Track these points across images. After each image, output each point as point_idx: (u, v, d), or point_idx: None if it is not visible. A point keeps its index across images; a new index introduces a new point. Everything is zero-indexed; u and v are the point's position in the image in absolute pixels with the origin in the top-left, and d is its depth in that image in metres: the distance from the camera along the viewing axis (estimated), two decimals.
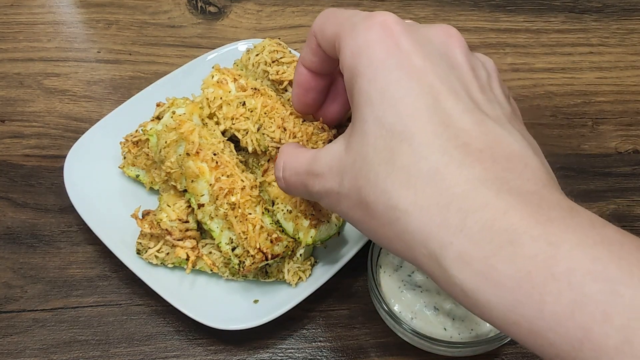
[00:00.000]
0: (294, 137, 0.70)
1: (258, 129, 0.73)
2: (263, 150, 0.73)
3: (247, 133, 0.74)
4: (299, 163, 0.58)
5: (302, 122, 0.74)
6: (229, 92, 0.77)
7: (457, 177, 0.45)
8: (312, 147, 0.70)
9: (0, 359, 0.75)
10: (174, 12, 1.18)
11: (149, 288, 0.76)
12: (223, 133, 0.82)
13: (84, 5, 1.20)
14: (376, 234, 0.50)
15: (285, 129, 0.70)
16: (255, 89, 0.77)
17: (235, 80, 0.77)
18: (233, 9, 1.18)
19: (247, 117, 0.74)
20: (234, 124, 0.76)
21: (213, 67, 0.80)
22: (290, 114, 0.72)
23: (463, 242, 0.43)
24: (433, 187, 0.45)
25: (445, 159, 0.45)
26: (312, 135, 0.70)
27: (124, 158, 0.87)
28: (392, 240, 0.48)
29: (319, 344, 0.77)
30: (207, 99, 0.78)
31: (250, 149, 0.73)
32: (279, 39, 0.91)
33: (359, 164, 0.50)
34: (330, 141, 0.69)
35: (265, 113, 0.73)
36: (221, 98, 0.76)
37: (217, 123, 0.78)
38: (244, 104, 0.75)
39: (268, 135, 0.73)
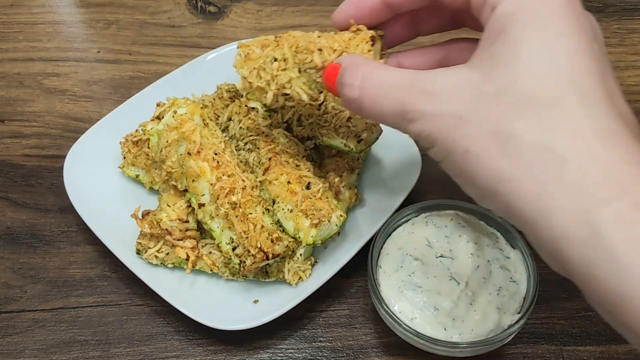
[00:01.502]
0: (334, 51, 0.63)
1: (299, 71, 0.66)
2: (319, 91, 0.67)
3: (291, 85, 0.67)
4: (393, 77, 0.53)
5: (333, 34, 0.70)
6: (259, 58, 0.72)
7: (629, 144, 0.44)
8: (354, 53, 0.63)
9: (0, 359, 0.75)
10: (174, 12, 1.18)
11: (149, 288, 0.76)
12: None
13: (84, 5, 1.20)
14: (496, 173, 0.45)
15: (321, 50, 0.63)
16: (276, 36, 0.71)
17: (262, 46, 0.72)
18: (233, 8, 1.18)
19: (284, 68, 0.68)
20: (277, 85, 0.68)
21: (238, 46, 0.73)
22: (318, 36, 0.66)
23: (627, 205, 0.41)
24: (605, 145, 0.43)
25: (616, 125, 0.44)
26: (350, 40, 0.63)
27: (124, 158, 0.87)
28: (520, 183, 0.44)
29: (319, 344, 0.77)
30: (245, 77, 0.72)
31: (305, 97, 0.67)
32: None
33: (510, 97, 0.46)
34: (373, 39, 0.63)
35: (295, 51, 0.66)
36: (255, 68, 0.71)
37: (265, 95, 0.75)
38: (275, 59, 0.68)
39: (310, 68, 0.65)
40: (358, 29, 0.64)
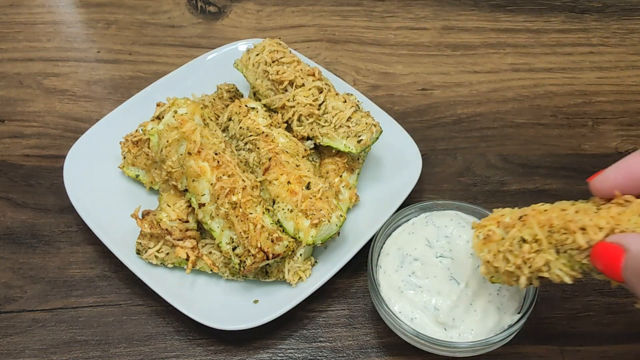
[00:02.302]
0: (600, 229, 0.54)
1: (557, 252, 0.58)
2: (584, 271, 0.57)
3: (548, 268, 0.59)
4: None
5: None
6: (503, 240, 0.63)
7: None
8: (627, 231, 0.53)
9: (0, 359, 0.75)
10: (174, 12, 1.18)
11: (149, 288, 0.76)
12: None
13: (84, 5, 1.20)
14: None
15: (584, 229, 0.55)
16: (521, 217, 0.61)
17: (501, 224, 0.63)
18: (233, 9, 1.18)
19: (538, 250, 0.59)
20: (532, 269, 0.60)
21: (472, 227, 0.67)
22: (576, 211, 0.57)
23: None
24: None
25: None
26: (620, 215, 0.55)
27: (124, 158, 0.87)
28: None
29: (319, 344, 0.77)
30: (489, 261, 0.63)
31: (568, 280, 0.58)
32: (279, 38, 0.91)
33: None
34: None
35: (550, 231, 0.58)
36: (499, 251, 0.62)
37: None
38: (524, 240, 0.60)
39: (571, 249, 0.57)
40: (626, 200, 0.55)
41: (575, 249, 0.56)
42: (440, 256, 0.72)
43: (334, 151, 0.84)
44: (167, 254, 0.78)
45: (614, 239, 0.52)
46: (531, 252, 0.59)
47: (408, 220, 0.77)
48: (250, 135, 0.82)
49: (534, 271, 0.59)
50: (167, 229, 0.77)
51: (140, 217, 0.79)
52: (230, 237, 0.75)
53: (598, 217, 0.55)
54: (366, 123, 0.81)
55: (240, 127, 0.83)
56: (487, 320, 0.68)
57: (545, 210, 0.59)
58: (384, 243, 0.75)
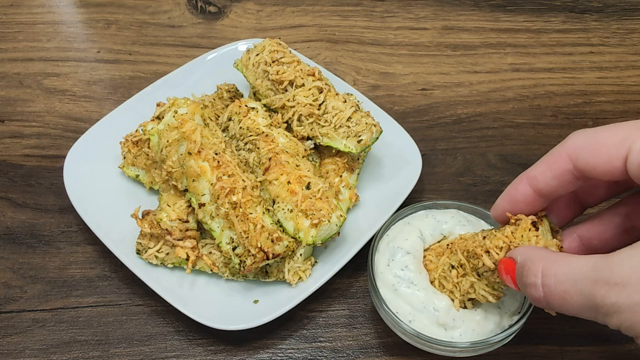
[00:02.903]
0: (500, 249, 0.62)
1: (479, 275, 0.66)
2: (502, 289, 0.66)
3: (474, 290, 0.67)
4: (574, 268, 0.51)
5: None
6: (437, 267, 0.71)
7: None
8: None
9: (0, 359, 0.75)
10: (174, 12, 1.18)
11: (149, 288, 0.76)
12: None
13: (84, 5, 1.20)
14: None
15: (488, 252, 0.63)
16: (448, 244, 0.71)
17: (437, 255, 0.72)
18: (233, 9, 1.18)
19: (464, 274, 0.67)
20: (461, 292, 0.68)
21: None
22: (483, 237, 0.66)
23: None
24: None
25: None
26: (513, 234, 0.63)
27: (124, 158, 0.87)
28: None
29: (319, 344, 0.77)
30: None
31: (492, 299, 0.66)
32: (279, 38, 0.91)
33: None
34: (534, 224, 0.61)
35: (467, 257, 0.67)
36: (435, 278, 0.70)
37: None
38: (452, 267, 0.69)
39: (485, 272, 0.65)
40: (517, 219, 0.63)
41: (487, 271, 0.64)
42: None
43: (334, 151, 0.84)
44: (167, 254, 0.78)
45: (508, 255, 0.61)
46: (459, 277, 0.68)
47: (407, 217, 0.76)
48: (250, 135, 0.82)
49: (464, 293, 0.67)
50: (167, 229, 0.77)
51: (140, 217, 0.79)
52: (230, 237, 0.75)
53: (496, 239, 0.63)
54: (366, 123, 0.81)
55: (240, 127, 0.83)
56: (487, 320, 0.68)
57: (466, 239, 0.68)
58: (383, 241, 0.75)
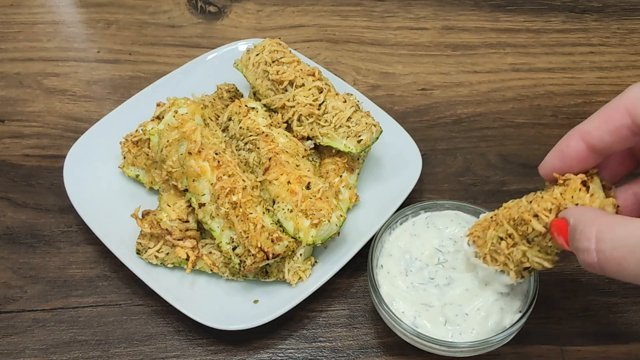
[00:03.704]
0: (549, 211, 0.59)
1: (529, 242, 0.63)
2: (557, 253, 0.62)
3: (528, 258, 0.64)
4: (630, 232, 0.48)
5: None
6: (486, 242, 0.68)
7: None
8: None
9: (0, 359, 0.75)
10: (174, 12, 1.18)
11: (149, 288, 0.76)
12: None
13: (84, 5, 1.20)
14: None
15: (537, 215, 0.60)
16: (492, 216, 0.68)
17: (482, 229, 0.68)
18: (233, 9, 1.18)
19: (514, 244, 0.64)
20: (515, 262, 0.65)
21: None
22: (529, 201, 0.62)
23: None
24: None
25: None
26: (563, 195, 0.59)
27: (124, 158, 0.87)
28: None
29: (319, 344, 0.77)
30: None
31: (548, 265, 0.63)
32: (279, 38, 0.91)
33: None
34: (585, 184, 0.58)
35: (515, 225, 0.64)
36: (486, 253, 0.67)
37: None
38: (501, 238, 0.66)
39: (536, 237, 0.62)
40: (566, 179, 0.60)
41: (538, 236, 0.60)
42: (444, 259, 0.72)
43: (334, 151, 0.84)
44: (167, 254, 0.78)
45: (560, 215, 0.58)
46: (509, 247, 0.64)
47: (407, 220, 0.77)
48: (250, 135, 0.82)
49: (518, 264, 0.64)
50: (167, 229, 0.77)
51: (140, 217, 0.79)
52: (231, 237, 0.75)
53: (544, 201, 0.59)
54: (366, 123, 0.81)
55: (240, 127, 0.83)
56: (488, 320, 0.68)
57: (510, 208, 0.65)
58: (385, 243, 0.75)
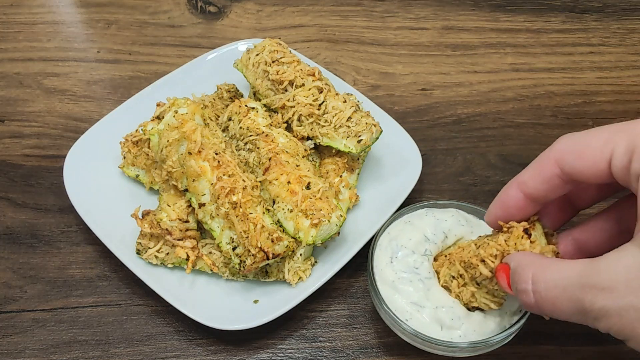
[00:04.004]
0: (495, 257, 0.63)
1: (477, 284, 0.67)
2: (502, 296, 0.67)
3: (476, 299, 0.68)
4: (563, 275, 0.52)
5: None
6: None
7: None
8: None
9: (0, 359, 0.75)
10: (174, 12, 1.18)
11: (149, 288, 0.76)
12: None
13: (84, 5, 1.20)
14: None
15: (483, 260, 0.64)
16: (445, 255, 0.72)
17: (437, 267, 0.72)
18: (233, 8, 1.18)
19: (464, 284, 0.69)
20: (465, 301, 0.69)
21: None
22: (477, 246, 0.67)
23: None
24: None
25: None
26: (507, 242, 0.63)
27: (124, 158, 0.87)
28: None
29: (319, 344, 0.77)
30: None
31: (494, 307, 0.67)
32: (279, 38, 0.91)
33: None
34: (526, 231, 0.62)
35: (464, 267, 0.68)
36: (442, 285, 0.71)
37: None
38: (453, 277, 0.70)
39: (483, 280, 0.66)
40: (510, 227, 0.63)
41: (485, 279, 0.65)
42: (429, 254, 0.71)
43: (334, 151, 0.84)
44: (167, 254, 0.78)
45: (504, 260, 0.61)
46: (460, 287, 0.68)
47: (406, 215, 0.76)
48: (250, 135, 0.82)
49: (467, 302, 0.68)
50: (167, 229, 0.77)
51: (140, 217, 0.79)
52: (231, 237, 0.75)
53: (490, 248, 0.64)
54: (366, 123, 0.81)
55: (240, 127, 0.83)
56: (488, 320, 0.68)
57: (463, 249, 0.69)
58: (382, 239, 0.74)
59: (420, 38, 1.13)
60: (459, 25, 1.15)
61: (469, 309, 0.68)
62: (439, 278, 0.71)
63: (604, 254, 0.50)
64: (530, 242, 0.61)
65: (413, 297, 0.69)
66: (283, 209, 0.76)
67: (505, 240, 0.63)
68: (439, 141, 0.97)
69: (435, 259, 0.72)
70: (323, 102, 0.83)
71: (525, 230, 0.62)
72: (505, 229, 0.64)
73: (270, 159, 0.78)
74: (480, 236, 0.70)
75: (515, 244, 0.62)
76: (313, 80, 0.84)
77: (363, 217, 0.83)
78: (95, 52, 1.11)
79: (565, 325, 0.78)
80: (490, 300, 0.66)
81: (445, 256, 0.71)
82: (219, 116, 0.88)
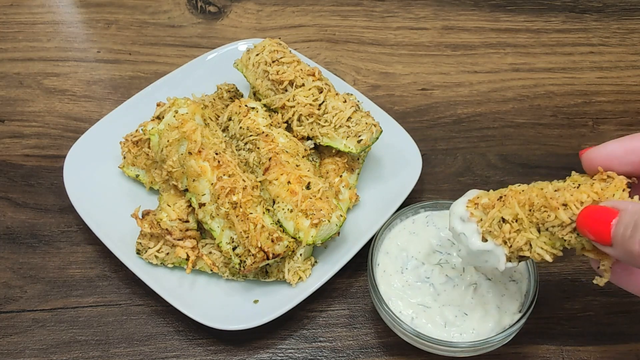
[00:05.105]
0: (582, 203, 0.56)
1: (539, 230, 0.60)
2: (564, 248, 0.60)
3: (529, 247, 0.61)
4: None
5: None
6: (485, 221, 0.64)
7: None
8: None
9: (0, 359, 0.75)
10: (174, 12, 1.18)
11: (149, 288, 0.76)
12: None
13: (84, 5, 1.20)
14: None
15: (565, 205, 0.57)
16: (501, 196, 0.63)
17: (483, 207, 0.64)
18: (233, 8, 1.18)
19: (518, 229, 0.61)
20: (513, 248, 0.61)
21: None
22: (556, 190, 0.59)
23: None
24: None
25: None
26: (603, 191, 0.57)
27: (124, 158, 0.87)
28: None
29: (319, 344, 0.77)
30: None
31: (548, 258, 0.60)
32: (279, 38, 0.91)
33: None
34: (630, 186, 0.56)
35: (530, 210, 0.60)
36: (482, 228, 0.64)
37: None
38: (503, 220, 0.62)
39: (553, 227, 0.59)
40: (609, 177, 0.57)
41: (557, 226, 0.57)
42: (443, 260, 0.72)
43: (334, 151, 0.84)
44: (167, 254, 0.78)
45: (606, 204, 0.54)
46: (512, 232, 0.60)
47: (407, 218, 0.76)
48: (250, 135, 0.82)
49: (515, 250, 0.60)
50: (167, 229, 0.77)
51: (140, 217, 0.79)
52: (231, 237, 0.75)
53: (579, 193, 0.56)
54: (366, 123, 0.81)
55: (240, 127, 0.83)
56: (487, 319, 0.68)
57: (523, 191, 0.61)
58: (384, 241, 0.75)
59: (420, 38, 1.13)
60: (459, 25, 1.15)
61: (508, 260, 0.62)
62: (478, 224, 0.63)
63: None
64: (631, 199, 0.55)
65: (417, 300, 0.69)
66: (283, 209, 0.76)
67: (602, 189, 0.56)
68: (439, 141, 0.97)
69: (474, 203, 0.64)
70: (323, 102, 0.83)
71: (628, 185, 0.56)
72: (603, 177, 0.57)
73: (270, 159, 0.78)
74: (552, 182, 0.61)
75: (614, 195, 0.55)
76: (313, 80, 0.84)
77: (363, 217, 0.83)
78: (95, 52, 1.11)
79: (565, 325, 0.78)
80: (548, 252, 0.59)
81: (499, 198, 0.62)
82: (219, 116, 0.88)
